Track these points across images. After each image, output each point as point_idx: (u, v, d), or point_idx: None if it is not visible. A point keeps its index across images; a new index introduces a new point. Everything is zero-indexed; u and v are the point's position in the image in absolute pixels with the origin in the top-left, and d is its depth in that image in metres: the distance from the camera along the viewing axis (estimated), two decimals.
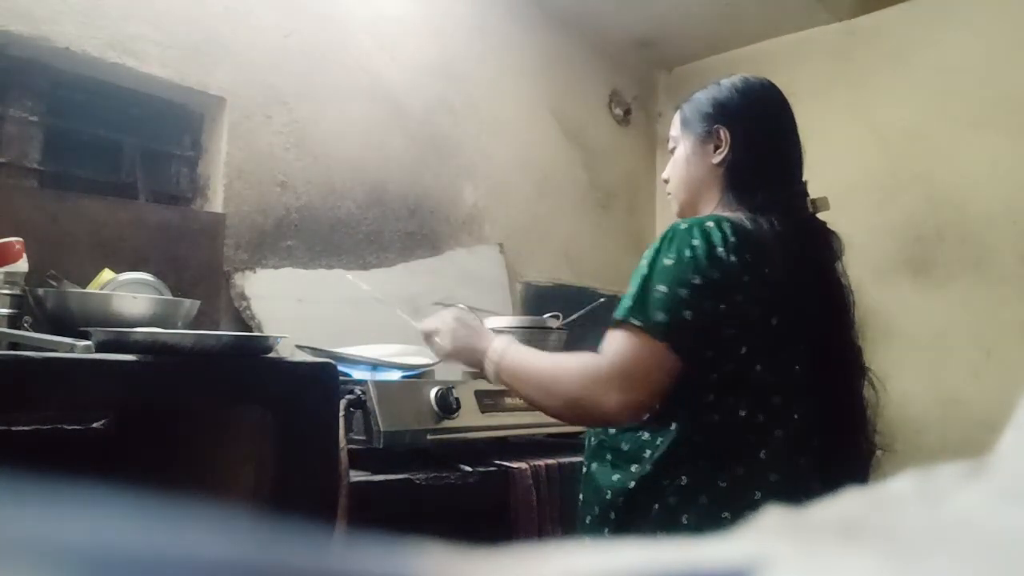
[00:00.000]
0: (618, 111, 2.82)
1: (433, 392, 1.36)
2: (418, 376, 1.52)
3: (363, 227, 1.98)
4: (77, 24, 1.50)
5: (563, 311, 1.90)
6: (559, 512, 1.41)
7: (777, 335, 1.02)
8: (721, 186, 1.13)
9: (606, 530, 1.04)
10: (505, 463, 1.39)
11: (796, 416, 1.03)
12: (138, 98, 1.68)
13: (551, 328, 1.80)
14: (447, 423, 1.35)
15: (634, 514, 1.01)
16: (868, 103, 2.41)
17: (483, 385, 1.52)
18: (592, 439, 1.12)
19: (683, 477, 0.99)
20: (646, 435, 1.03)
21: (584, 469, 1.12)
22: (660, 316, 0.95)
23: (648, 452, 1.02)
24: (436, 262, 2.13)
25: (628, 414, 0.97)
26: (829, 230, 1.13)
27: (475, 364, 1.14)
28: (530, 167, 2.46)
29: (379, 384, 1.30)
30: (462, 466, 1.34)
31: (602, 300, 2.03)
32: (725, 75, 1.19)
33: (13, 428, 0.79)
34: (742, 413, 1.00)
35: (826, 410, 1.07)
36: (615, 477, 1.04)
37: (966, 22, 2.27)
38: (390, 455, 1.27)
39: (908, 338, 2.22)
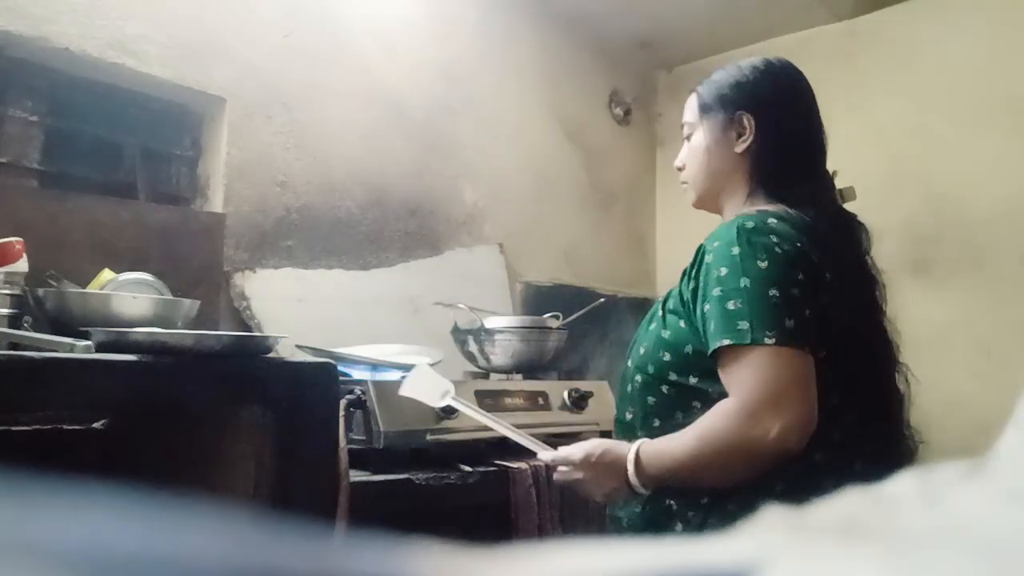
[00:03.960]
0: (618, 111, 2.82)
1: None
2: None
3: (363, 227, 1.98)
4: (77, 24, 1.50)
5: (563, 311, 1.90)
6: (559, 512, 1.41)
7: (835, 334, 0.96)
8: (747, 177, 1.06)
9: (650, 532, 0.98)
10: (505, 463, 1.39)
11: (850, 418, 0.97)
12: (138, 98, 1.68)
13: (551, 328, 1.80)
14: (447, 423, 1.35)
15: (702, 526, 0.95)
16: (869, 103, 2.41)
17: (483, 385, 1.52)
18: (628, 437, 1.03)
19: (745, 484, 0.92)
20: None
21: None
22: (788, 323, 0.87)
23: None
24: (436, 262, 2.12)
25: (796, 437, 0.86)
26: (859, 222, 1.07)
27: (623, 494, 0.99)
28: (530, 167, 2.46)
29: (379, 384, 1.30)
30: (462, 466, 1.34)
31: (602, 300, 2.03)
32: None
33: (13, 428, 0.79)
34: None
35: (868, 408, 1.01)
36: (680, 491, 0.97)
37: (966, 22, 2.27)
38: (390, 455, 1.27)
39: (908, 338, 2.21)
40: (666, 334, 1.01)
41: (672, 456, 0.94)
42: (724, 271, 0.92)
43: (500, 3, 2.38)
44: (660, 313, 1.05)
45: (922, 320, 2.25)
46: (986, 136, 2.20)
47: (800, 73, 1.10)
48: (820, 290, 0.93)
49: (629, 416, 1.06)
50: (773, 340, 0.86)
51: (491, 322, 1.77)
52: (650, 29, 2.64)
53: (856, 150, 2.40)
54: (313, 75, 1.90)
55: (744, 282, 0.90)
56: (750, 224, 0.94)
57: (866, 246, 1.06)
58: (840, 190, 1.08)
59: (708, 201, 1.13)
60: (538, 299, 2.34)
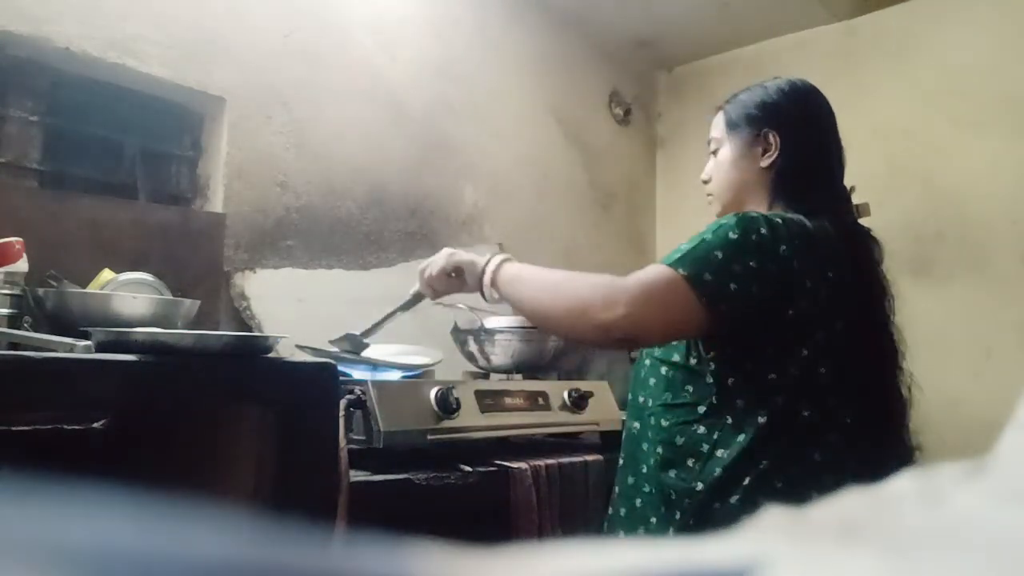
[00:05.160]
0: (618, 111, 2.82)
1: (433, 392, 1.36)
2: (418, 376, 1.52)
3: (363, 227, 1.98)
4: (77, 24, 1.50)
5: None
6: (559, 512, 1.41)
7: (839, 338, 1.03)
8: (769, 189, 1.14)
9: (671, 531, 1.03)
10: (505, 463, 1.38)
11: (849, 420, 1.04)
12: (138, 98, 1.68)
13: None
14: (447, 423, 1.35)
15: (700, 516, 1.00)
16: (868, 103, 2.41)
17: (483, 385, 1.52)
18: (645, 439, 1.10)
19: (747, 478, 0.98)
20: (702, 429, 1.02)
21: (642, 466, 1.09)
22: (707, 276, 0.94)
23: (705, 447, 1.01)
24: None
25: (627, 329, 0.93)
26: (873, 236, 1.15)
27: (471, 275, 1.14)
28: (530, 167, 2.46)
29: (379, 384, 1.30)
30: (462, 466, 1.33)
31: None
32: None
33: (13, 428, 0.79)
34: (805, 414, 1.01)
35: (869, 412, 1.08)
36: (680, 477, 1.03)
37: (966, 22, 2.27)
38: (390, 455, 1.27)
39: (908, 338, 2.22)
40: None
41: (534, 276, 1.06)
42: (707, 230, 1.01)
43: (500, 3, 2.38)
44: None
45: (922, 320, 2.24)
46: (986, 136, 2.20)
47: (821, 95, 1.19)
48: (793, 295, 0.98)
49: (641, 400, 1.14)
50: (684, 273, 0.94)
51: (491, 322, 1.77)
52: (650, 29, 2.64)
53: (856, 150, 2.39)
54: (313, 75, 1.90)
55: (708, 236, 0.98)
56: (753, 214, 1.02)
57: (878, 258, 1.14)
58: (856, 205, 1.15)
59: (732, 211, 1.19)
60: None
